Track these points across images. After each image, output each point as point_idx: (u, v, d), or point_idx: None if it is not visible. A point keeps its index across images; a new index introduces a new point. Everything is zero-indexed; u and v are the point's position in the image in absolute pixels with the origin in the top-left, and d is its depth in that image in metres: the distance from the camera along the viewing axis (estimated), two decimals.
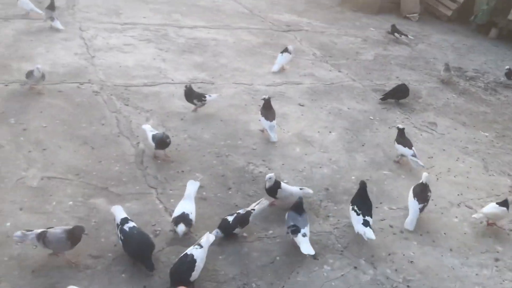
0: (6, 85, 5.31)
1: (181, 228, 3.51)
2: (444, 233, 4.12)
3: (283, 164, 4.75)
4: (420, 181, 4.26)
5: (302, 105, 5.96)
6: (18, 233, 3.25)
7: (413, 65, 7.85)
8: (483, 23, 9.91)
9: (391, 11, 10.59)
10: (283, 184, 4.08)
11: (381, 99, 6.31)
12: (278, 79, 6.59)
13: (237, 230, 3.68)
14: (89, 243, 3.43)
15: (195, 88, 5.48)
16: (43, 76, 5.19)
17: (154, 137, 4.40)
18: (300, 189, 4.17)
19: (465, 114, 6.42)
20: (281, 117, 5.57)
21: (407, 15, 10.43)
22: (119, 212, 3.50)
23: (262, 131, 5.17)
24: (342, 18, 9.82)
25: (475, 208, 4.45)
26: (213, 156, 4.71)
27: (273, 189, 4.03)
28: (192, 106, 5.37)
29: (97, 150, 4.49)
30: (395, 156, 5.05)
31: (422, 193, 4.17)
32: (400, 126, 5.07)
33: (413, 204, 4.13)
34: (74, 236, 3.22)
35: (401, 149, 4.90)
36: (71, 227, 3.29)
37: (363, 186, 4.00)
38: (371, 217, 3.83)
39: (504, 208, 4.09)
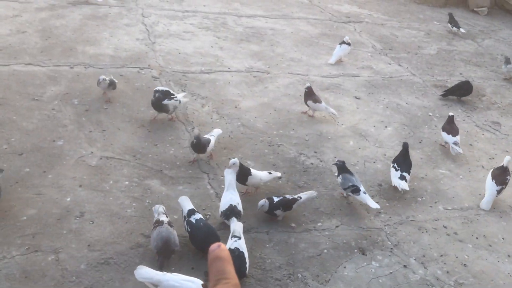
0: (71, 67, 5.56)
1: (233, 223, 3.51)
2: (502, 238, 3.93)
3: (335, 157, 4.69)
4: (501, 164, 4.26)
5: (358, 98, 5.85)
6: (160, 208, 3.37)
7: (478, 61, 7.49)
8: None
9: (458, 4, 10.13)
10: (253, 171, 3.95)
11: (442, 95, 6.07)
12: (335, 70, 6.49)
13: (278, 212, 3.69)
14: (142, 222, 3.55)
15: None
16: (111, 84, 4.91)
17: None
18: (269, 173, 4.08)
19: None
20: (336, 109, 5.48)
21: (475, 9, 9.94)
22: (186, 203, 3.49)
23: (335, 114, 5.23)
24: (404, 10, 9.50)
25: None
26: (265, 145, 4.72)
27: (244, 176, 3.89)
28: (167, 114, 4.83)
29: (153, 133, 4.62)
30: (442, 141, 5.08)
31: (501, 176, 4.21)
32: (451, 113, 5.07)
33: (490, 186, 4.20)
34: (161, 250, 3.16)
35: (445, 136, 4.93)
36: (166, 240, 3.15)
37: (405, 146, 4.38)
38: (409, 174, 4.24)
39: None
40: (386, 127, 5.31)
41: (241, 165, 3.86)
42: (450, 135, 4.87)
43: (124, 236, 3.44)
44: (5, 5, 6.77)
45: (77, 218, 3.52)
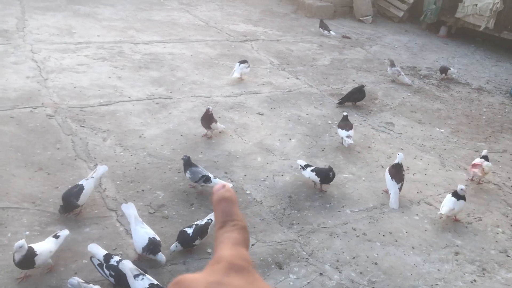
0: None
1: (162, 257, 3.46)
2: (406, 232, 4.20)
3: (245, 175, 4.75)
4: (395, 162, 4.59)
5: (261, 114, 5.99)
6: (74, 281, 3.06)
7: (368, 67, 8.02)
8: (433, 22, 10.23)
9: (345, 14, 10.82)
10: (37, 248, 3.23)
11: (338, 103, 6.41)
12: (237, 89, 6.60)
13: (197, 242, 3.66)
14: (48, 273, 3.33)
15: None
16: None
17: None
18: (56, 237, 3.41)
19: (420, 112, 6.59)
20: (242, 127, 5.58)
21: (361, 18, 10.67)
22: (98, 250, 3.32)
23: (224, 127, 5.45)
24: (297, 25, 9.94)
25: (434, 204, 4.57)
26: (174, 173, 4.66)
27: (29, 261, 3.16)
28: None
29: (53, 176, 4.38)
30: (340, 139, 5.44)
31: (398, 173, 4.55)
32: (345, 113, 5.52)
33: (392, 185, 4.51)
34: None
35: (339, 131, 5.37)
36: None
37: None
38: (305, 167, 4.60)
39: (462, 201, 4.24)
40: (290, 139, 5.48)
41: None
42: (344, 130, 5.31)
43: None
44: None
45: None
